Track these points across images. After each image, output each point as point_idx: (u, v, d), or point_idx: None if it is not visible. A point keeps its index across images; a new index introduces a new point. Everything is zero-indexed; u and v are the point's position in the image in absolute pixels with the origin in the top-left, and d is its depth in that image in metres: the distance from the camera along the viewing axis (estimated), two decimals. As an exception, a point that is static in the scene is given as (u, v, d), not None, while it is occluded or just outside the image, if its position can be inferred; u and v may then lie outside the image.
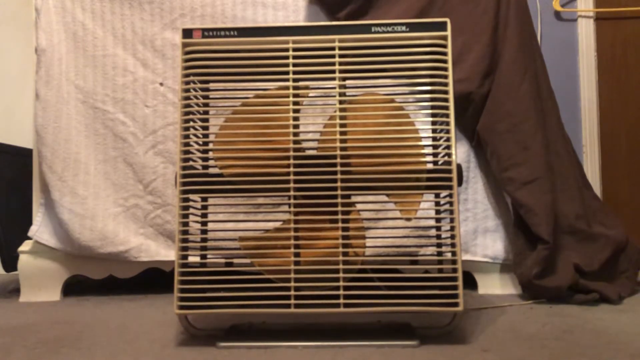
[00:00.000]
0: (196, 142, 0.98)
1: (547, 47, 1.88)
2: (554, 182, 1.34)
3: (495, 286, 1.38)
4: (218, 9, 1.42)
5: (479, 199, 1.38)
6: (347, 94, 0.96)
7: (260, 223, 1.03)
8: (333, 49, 0.93)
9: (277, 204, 1.21)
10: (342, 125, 0.93)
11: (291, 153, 0.92)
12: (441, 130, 0.94)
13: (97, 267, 1.41)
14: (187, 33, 0.96)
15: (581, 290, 1.23)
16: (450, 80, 0.92)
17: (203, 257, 0.99)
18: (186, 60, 0.95)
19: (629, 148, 1.99)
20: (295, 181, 0.92)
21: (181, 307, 0.91)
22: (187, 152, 0.95)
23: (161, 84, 1.42)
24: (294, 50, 0.94)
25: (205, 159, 0.98)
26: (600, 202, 1.44)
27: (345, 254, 0.91)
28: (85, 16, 1.43)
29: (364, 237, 0.96)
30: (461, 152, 1.38)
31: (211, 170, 0.98)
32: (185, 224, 0.93)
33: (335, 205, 0.91)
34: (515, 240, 1.32)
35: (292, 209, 0.92)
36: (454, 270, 0.88)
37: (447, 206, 0.94)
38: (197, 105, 0.98)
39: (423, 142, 0.93)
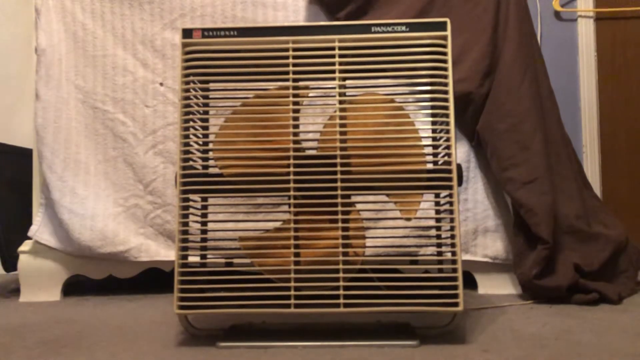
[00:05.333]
0: (196, 142, 0.98)
1: (547, 47, 1.88)
2: (554, 182, 1.34)
3: (495, 286, 1.38)
4: (218, 9, 1.42)
5: (479, 199, 1.38)
6: (347, 94, 0.96)
7: (260, 223, 1.04)
8: (333, 49, 0.93)
9: (277, 204, 1.21)
10: (342, 125, 0.93)
11: (291, 153, 0.92)
12: (441, 130, 0.94)
13: (97, 267, 1.41)
14: (187, 33, 0.96)
15: (581, 290, 1.23)
16: (450, 80, 0.92)
17: (203, 257, 0.99)
18: (186, 60, 0.95)
19: (629, 148, 1.99)
20: (295, 181, 0.92)
21: (181, 307, 0.91)
22: (187, 152, 0.95)
23: (161, 84, 1.42)
24: (294, 50, 0.94)
25: (205, 159, 0.98)
26: (600, 202, 1.44)
27: (345, 254, 0.91)
28: (85, 16, 1.43)
29: (364, 237, 0.96)
30: (461, 152, 1.38)
31: (211, 170, 0.98)
32: (185, 224, 0.93)
33: (335, 205, 0.91)
34: (515, 240, 1.32)
35: (292, 209, 0.92)
36: (454, 270, 0.88)
37: (447, 206, 0.94)
38: (197, 105, 0.98)
39: (423, 142, 0.93)
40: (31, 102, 1.43)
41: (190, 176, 0.94)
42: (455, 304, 0.87)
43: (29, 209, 1.46)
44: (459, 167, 0.92)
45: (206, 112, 1.00)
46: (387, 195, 0.95)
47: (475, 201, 1.38)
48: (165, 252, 1.39)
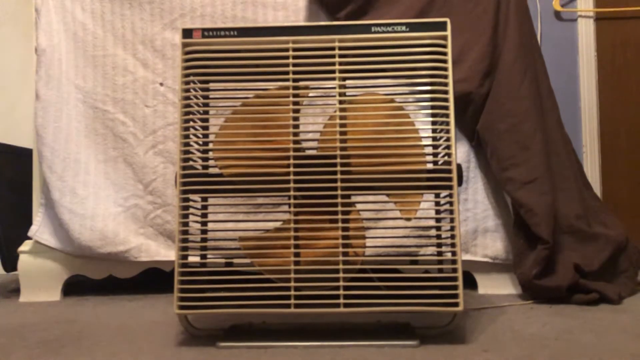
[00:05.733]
0: (196, 142, 0.98)
1: (547, 47, 1.88)
2: (554, 182, 1.34)
3: (495, 286, 1.37)
4: (218, 9, 1.42)
5: (479, 199, 1.38)
6: (347, 94, 0.96)
7: (260, 223, 1.04)
8: (333, 49, 0.93)
9: (277, 204, 1.21)
10: (342, 125, 0.93)
11: (291, 153, 0.92)
12: (441, 130, 0.94)
13: (97, 267, 1.41)
14: (187, 33, 0.96)
15: (581, 290, 1.23)
16: (450, 80, 0.92)
17: (203, 257, 0.99)
18: (186, 60, 0.95)
19: (629, 148, 1.99)
20: (295, 181, 0.92)
21: (181, 307, 0.91)
22: (187, 152, 0.95)
23: (161, 84, 1.42)
24: (294, 50, 0.94)
25: (205, 159, 0.98)
26: (600, 202, 1.44)
27: (345, 254, 0.91)
28: (85, 16, 1.43)
29: (364, 237, 0.96)
30: (461, 152, 1.38)
31: (211, 170, 0.98)
32: (185, 224, 0.93)
33: (335, 205, 0.91)
34: (515, 240, 1.32)
35: (292, 209, 0.92)
36: (454, 270, 0.88)
37: (447, 206, 0.94)
38: (197, 105, 0.98)
39: (423, 142, 0.93)
40: (31, 102, 1.43)
41: (190, 176, 0.94)
42: (455, 304, 0.87)
43: (29, 209, 1.46)
44: (459, 167, 0.92)
45: (206, 112, 1.00)
46: (387, 195, 0.95)
47: (475, 201, 1.38)
48: (165, 252, 1.39)
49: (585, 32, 1.98)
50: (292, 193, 0.92)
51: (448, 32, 0.93)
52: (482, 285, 1.38)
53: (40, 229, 1.41)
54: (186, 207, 0.94)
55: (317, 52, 0.94)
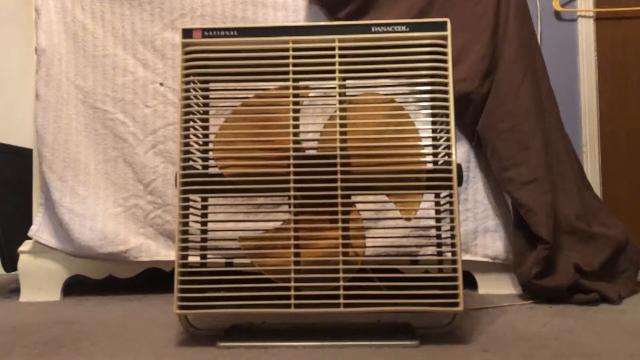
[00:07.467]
0: (196, 142, 0.98)
1: (547, 47, 1.88)
2: (554, 182, 1.34)
3: (495, 286, 1.38)
4: (218, 9, 1.42)
5: (479, 199, 1.38)
6: (347, 94, 0.96)
7: (260, 223, 1.04)
8: (333, 49, 0.94)
9: (277, 204, 1.21)
10: (342, 125, 0.93)
11: (291, 153, 0.92)
12: (441, 130, 0.94)
13: (97, 267, 1.41)
14: (187, 33, 0.96)
15: (581, 290, 1.23)
16: (450, 80, 0.92)
17: (203, 257, 0.99)
18: (186, 60, 0.95)
19: (629, 148, 1.98)
20: (295, 181, 0.92)
21: (181, 307, 0.91)
22: (187, 152, 0.95)
23: (161, 84, 1.42)
24: (294, 50, 0.94)
25: (205, 159, 0.98)
26: (600, 202, 1.44)
27: (345, 254, 0.91)
28: (85, 16, 1.43)
29: (364, 237, 0.96)
30: (461, 152, 1.38)
31: (211, 170, 0.98)
32: (185, 224, 0.93)
33: (335, 205, 0.91)
34: (516, 240, 1.32)
35: (292, 209, 0.92)
36: (454, 270, 0.88)
37: (447, 206, 0.94)
38: (197, 105, 0.98)
39: (423, 142, 0.93)
40: (31, 102, 1.43)
41: (190, 176, 0.94)
42: (455, 304, 0.87)
43: (29, 209, 1.46)
44: (459, 167, 0.92)
45: (206, 112, 1.00)
46: (387, 195, 0.95)
47: (475, 201, 1.38)
48: (165, 252, 1.39)
49: (585, 32, 1.98)
50: (292, 193, 0.92)
51: (448, 32, 0.93)
52: (482, 285, 1.38)
53: (40, 229, 1.41)
54: (186, 207, 0.94)
55: (317, 52, 0.94)
